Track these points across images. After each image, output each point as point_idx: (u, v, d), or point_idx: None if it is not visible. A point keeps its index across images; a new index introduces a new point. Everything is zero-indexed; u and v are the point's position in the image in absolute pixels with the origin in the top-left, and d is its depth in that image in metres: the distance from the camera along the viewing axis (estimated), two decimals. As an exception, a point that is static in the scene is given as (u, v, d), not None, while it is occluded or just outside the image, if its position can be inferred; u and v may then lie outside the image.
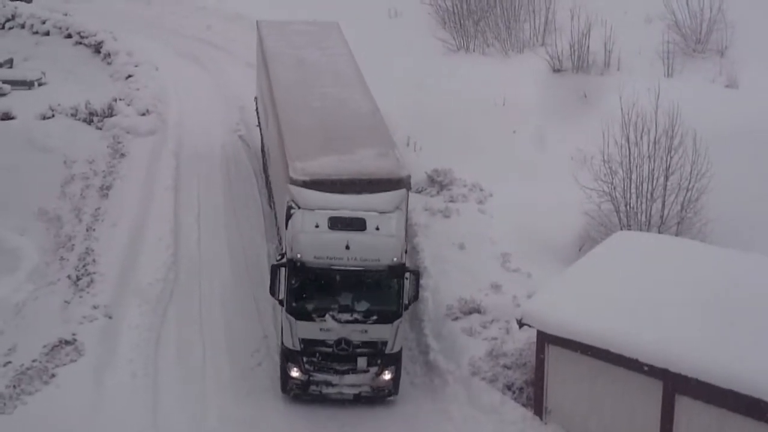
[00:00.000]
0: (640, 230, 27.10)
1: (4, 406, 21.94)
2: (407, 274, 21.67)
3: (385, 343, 21.64)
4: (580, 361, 20.93)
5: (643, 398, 20.05)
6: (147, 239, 29.46)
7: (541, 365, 21.77)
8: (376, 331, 21.50)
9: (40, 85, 41.08)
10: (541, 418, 21.85)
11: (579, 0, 41.96)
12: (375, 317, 21.45)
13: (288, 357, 21.78)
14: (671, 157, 27.58)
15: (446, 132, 34.66)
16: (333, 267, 21.09)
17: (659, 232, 27.11)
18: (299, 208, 21.89)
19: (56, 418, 21.61)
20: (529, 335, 22.42)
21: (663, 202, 27.72)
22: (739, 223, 27.41)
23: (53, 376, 22.92)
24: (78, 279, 27.04)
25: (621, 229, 26.98)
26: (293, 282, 21.36)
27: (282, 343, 22.10)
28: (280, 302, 21.89)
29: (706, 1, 38.78)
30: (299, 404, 22.69)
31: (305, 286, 21.40)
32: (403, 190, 23.11)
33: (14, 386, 22.51)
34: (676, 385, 19.50)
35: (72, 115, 35.47)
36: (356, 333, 21.43)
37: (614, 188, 28.04)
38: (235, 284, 27.93)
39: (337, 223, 21.27)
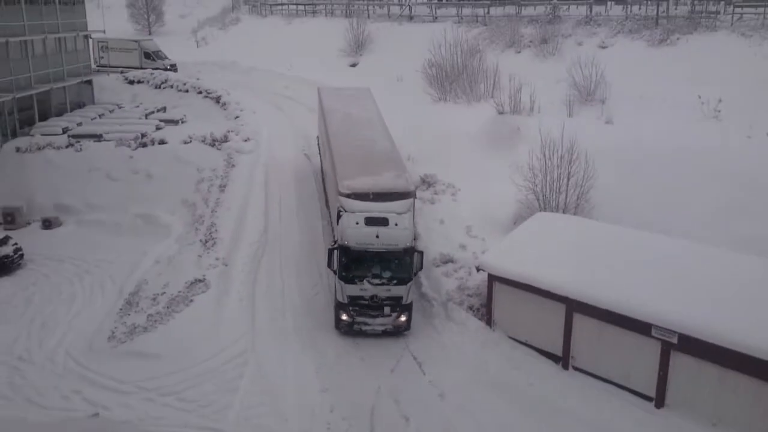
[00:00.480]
0: (552, 212, 27.09)
1: (162, 319, 22.32)
2: (416, 254, 21.33)
3: (401, 298, 21.40)
4: (514, 292, 21.16)
5: (553, 315, 20.22)
6: (248, 218, 29.48)
7: (490, 294, 21.95)
8: (396, 290, 21.29)
9: (182, 122, 41.22)
10: (490, 327, 22.02)
11: (514, 70, 41.89)
12: (395, 281, 21.25)
13: (340, 307, 21.56)
14: (571, 166, 27.48)
15: (433, 151, 34.61)
16: (368, 250, 20.91)
17: (564, 213, 27.06)
18: (346, 211, 21.49)
19: (194, 327, 22.03)
20: (483, 276, 22.52)
21: (566, 194, 27.56)
22: (612, 206, 27.38)
23: (191, 301, 23.30)
24: (206, 242, 27.28)
25: (540, 211, 26.94)
26: (343, 259, 21.11)
27: (336, 298, 21.83)
28: (334, 272, 21.61)
29: (593, 69, 38.65)
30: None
31: (351, 262, 21.12)
32: (412, 199, 22.56)
33: (168, 307, 22.91)
34: (574, 307, 19.67)
35: (202, 141, 35.56)
36: (383, 291, 21.26)
37: (536, 185, 27.91)
38: (302, 245, 27.96)
39: (370, 221, 21.01)
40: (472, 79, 43.83)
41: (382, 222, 21.03)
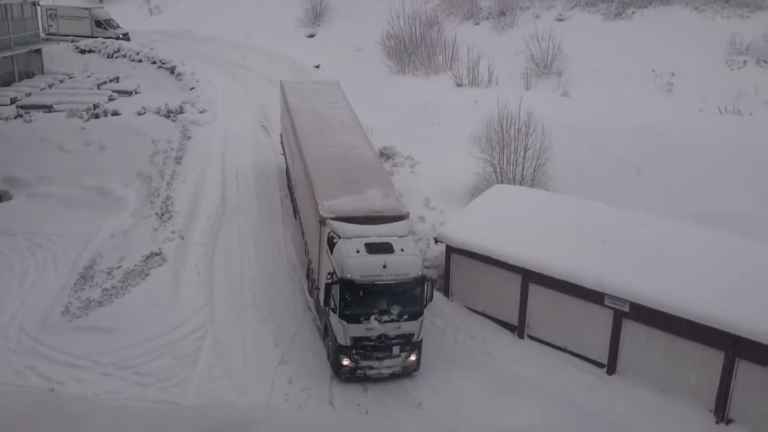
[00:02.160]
0: (509, 184, 27.37)
1: (117, 293, 21.99)
2: (427, 282, 18.53)
3: (413, 334, 18.53)
4: (471, 263, 21.46)
5: (509, 285, 20.56)
6: (205, 190, 29.11)
7: (448, 265, 22.22)
8: (407, 326, 18.37)
9: (136, 93, 40.23)
10: (448, 297, 22.32)
11: (473, 41, 41.98)
12: (406, 316, 18.30)
13: (340, 351, 18.32)
14: (528, 139, 27.76)
15: (391, 123, 34.49)
16: (375, 282, 17.83)
17: (521, 185, 27.38)
18: (340, 238, 18.32)
19: (150, 301, 21.72)
20: (441, 248, 22.79)
21: (523, 167, 27.92)
22: (568, 178, 27.81)
23: (147, 275, 22.92)
24: (162, 215, 26.82)
25: (497, 183, 27.20)
26: (346, 296, 17.88)
27: (335, 340, 18.50)
28: (333, 310, 18.33)
29: (550, 42, 38.90)
30: (304, 293, 22.74)
31: (354, 298, 17.96)
32: (409, 220, 19.68)
33: (123, 281, 22.54)
34: (529, 277, 19.98)
35: (157, 112, 34.86)
36: (392, 329, 18.25)
37: (494, 158, 28.19)
38: (260, 217, 27.79)
39: (373, 248, 17.94)
40: (430, 51, 43.87)
41: (387, 248, 18.05)
